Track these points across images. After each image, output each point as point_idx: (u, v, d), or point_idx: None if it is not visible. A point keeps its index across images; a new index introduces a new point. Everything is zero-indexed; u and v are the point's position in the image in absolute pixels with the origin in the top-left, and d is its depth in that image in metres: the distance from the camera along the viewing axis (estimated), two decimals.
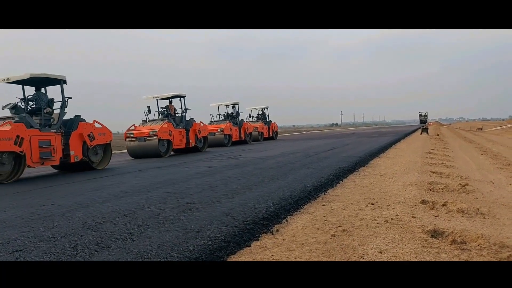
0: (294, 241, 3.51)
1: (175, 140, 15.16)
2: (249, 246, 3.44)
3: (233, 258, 3.17)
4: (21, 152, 8.56)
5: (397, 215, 4.27)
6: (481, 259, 2.97)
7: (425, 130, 26.45)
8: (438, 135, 25.73)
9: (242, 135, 22.42)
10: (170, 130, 14.85)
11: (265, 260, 3.06)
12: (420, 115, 32.07)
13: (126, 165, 11.50)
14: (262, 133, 25.78)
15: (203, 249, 3.18)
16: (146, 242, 3.41)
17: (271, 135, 27.34)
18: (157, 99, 16.39)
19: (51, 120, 9.87)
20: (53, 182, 7.91)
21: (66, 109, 10.24)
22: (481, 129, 47.99)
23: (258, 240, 3.60)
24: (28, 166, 8.90)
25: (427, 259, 2.95)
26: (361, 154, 11.52)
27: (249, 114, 27.12)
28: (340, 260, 2.98)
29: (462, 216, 4.25)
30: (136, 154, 14.43)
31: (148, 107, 15.64)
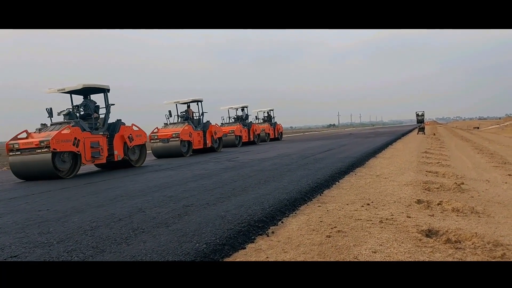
0: (289, 242, 3.51)
1: (194, 141, 16.69)
2: (244, 248, 3.44)
3: (228, 260, 3.16)
4: (78, 151, 10.09)
5: (392, 215, 4.28)
6: (475, 257, 2.98)
7: (422, 129, 26.53)
8: (434, 134, 25.79)
9: (251, 136, 23.72)
10: (190, 132, 16.37)
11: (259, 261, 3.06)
12: (417, 115, 32.20)
13: (123, 169, 11.47)
14: (268, 134, 27.20)
15: (197, 252, 3.18)
16: (141, 246, 3.41)
17: (276, 136, 28.86)
18: (176, 104, 17.86)
19: (98, 124, 11.34)
20: (49, 187, 7.89)
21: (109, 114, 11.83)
22: (478, 128, 48.12)
23: (253, 242, 3.60)
24: (83, 164, 10.36)
25: (421, 258, 2.96)
26: (357, 154, 11.54)
27: (256, 116, 28.31)
28: (334, 260, 2.98)
29: (457, 215, 4.26)
30: (160, 154, 15.78)
31: (169, 111, 17.05)
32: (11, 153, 9.73)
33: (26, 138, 10.04)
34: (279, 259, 3.09)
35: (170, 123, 16.99)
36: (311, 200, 5.35)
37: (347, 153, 12.26)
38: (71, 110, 11.31)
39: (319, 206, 4.94)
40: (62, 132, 9.78)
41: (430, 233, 3.62)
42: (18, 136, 10.05)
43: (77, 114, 11.38)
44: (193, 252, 3.18)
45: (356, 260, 2.98)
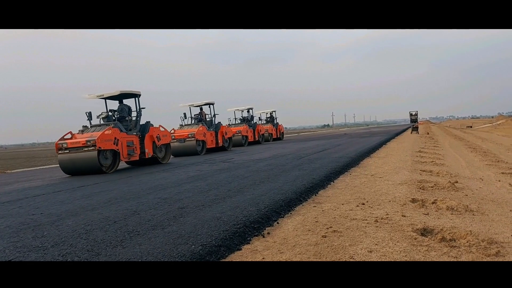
0: (285, 243, 3.51)
1: (208, 141, 18.09)
2: (240, 249, 3.44)
3: (224, 261, 3.16)
4: (117, 150, 11.46)
5: (387, 214, 4.29)
6: (470, 256, 2.99)
7: (415, 129, 26.63)
8: (428, 133, 25.91)
9: (256, 136, 25.21)
10: (204, 132, 17.79)
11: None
12: (411, 115, 32.34)
13: (116, 172, 11.43)
14: (271, 134, 28.72)
15: (193, 254, 3.17)
16: (136, 248, 3.39)
17: (278, 136, 30.31)
18: (190, 107, 19.29)
19: (131, 125, 12.73)
20: (42, 191, 7.84)
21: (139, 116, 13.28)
22: (471, 127, 48.39)
23: (249, 243, 3.60)
24: (121, 160, 11.77)
25: (417, 257, 2.96)
26: (352, 154, 11.57)
27: (259, 117, 29.15)
28: (330, 260, 2.98)
29: (452, 214, 4.28)
30: (177, 153, 16.93)
31: (184, 114, 18.35)
32: (60, 152, 11.05)
33: (71, 138, 11.38)
34: (275, 260, 3.09)
35: (185, 124, 18.35)
36: (307, 200, 5.35)
37: (341, 153, 12.29)
38: (109, 113, 12.82)
39: (315, 206, 4.95)
40: (105, 132, 11.16)
41: (425, 231, 3.63)
42: (65, 137, 11.39)
43: (114, 117, 12.84)
44: (188, 254, 3.17)
45: (352, 260, 2.98)
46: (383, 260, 2.94)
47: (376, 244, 3.29)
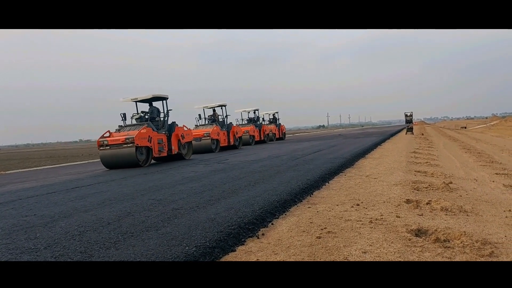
0: (280, 244, 3.50)
1: (221, 140, 19.56)
2: (234, 251, 3.43)
3: (218, 261, 3.14)
4: (151, 146, 12.91)
5: (381, 215, 4.29)
6: (464, 256, 2.99)
7: (410, 130, 26.72)
8: (423, 134, 26.00)
9: (262, 136, 26.52)
10: (218, 132, 19.27)
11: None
12: (406, 115, 32.43)
13: (109, 172, 11.37)
14: (274, 134, 30.19)
15: (187, 256, 3.16)
16: (130, 250, 3.37)
17: (281, 136, 31.90)
18: (203, 108, 20.87)
19: (160, 125, 14.15)
20: (36, 192, 7.78)
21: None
22: (465, 128, 48.63)
23: (243, 244, 3.58)
24: (153, 156, 13.19)
25: (411, 258, 2.96)
26: (346, 155, 11.59)
27: (263, 118, 30.16)
28: (324, 260, 2.97)
29: (446, 214, 4.28)
30: (194, 151, 17.11)
31: (199, 115, 20.23)
32: (101, 148, 12.48)
33: (109, 136, 12.77)
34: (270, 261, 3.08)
35: (200, 125, 20.06)
36: (301, 201, 5.35)
37: (336, 154, 12.30)
38: (142, 114, 14.29)
39: (309, 207, 4.94)
40: (141, 131, 12.61)
41: (419, 232, 3.63)
42: (104, 135, 12.80)
43: (146, 118, 14.27)
44: (182, 256, 3.16)
45: (346, 260, 2.97)
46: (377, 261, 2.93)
47: (371, 245, 3.29)
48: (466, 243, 3.23)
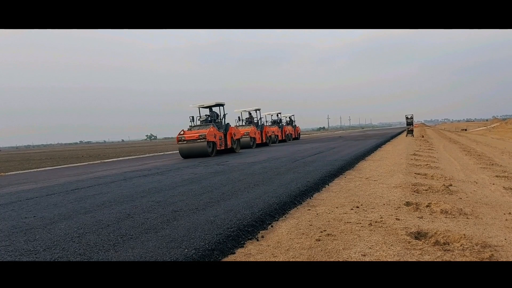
0: (279, 246, 3.50)
1: (257, 138, 23.53)
2: (234, 253, 3.42)
3: (216, 261, 3.14)
4: (215, 141, 17.21)
5: (381, 217, 4.28)
6: (463, 259, 2.98)
7: (410, 132, 26.69)
8: (423, 136, 25.97)
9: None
10: (255, 131, 23.30)
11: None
12: (407, 118, 32.44)
13: (109, 173, 11.37)
14: (290, 134, 32.67)
15: (186, 258, 3.15)
16: (129, 252, 3.37)
17: (296, 136, 34.78)
18: (241, 112, 24.83)
19: (219, 125, 18.39)
20: (35, 194, 7.78)
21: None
22: (466, 130, 48.63)
23: (242, 247, 3.58)
24: (217, 149, 17.40)
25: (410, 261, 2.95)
26: (347, 157, 11.58)
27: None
28: (324, 260, 2.96)
29: (446, 217, 4.27)
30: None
31: (239, 117, 24.31)
32: (179, 142, 16.80)
33: (183, 134, 16.95)
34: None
35: (240, 125, 22.60)
36: (301, 203, 5.34)
37: (336, 156, 12.29)
38: (206, 117, 18.85)
39: (309, 209, 4.94)
40: (210, 130, 16.93)
41: (419, 235, 3.62)
42: (180, 133, 16.98)
43: (210, 119, 18.59)
44: (182, 258, 3.15)
45: (346, 260, 2.97)
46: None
47: (370, 248, 3.28)
48: (466, 246, 3.22)
